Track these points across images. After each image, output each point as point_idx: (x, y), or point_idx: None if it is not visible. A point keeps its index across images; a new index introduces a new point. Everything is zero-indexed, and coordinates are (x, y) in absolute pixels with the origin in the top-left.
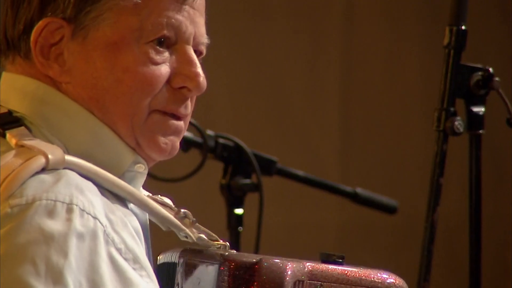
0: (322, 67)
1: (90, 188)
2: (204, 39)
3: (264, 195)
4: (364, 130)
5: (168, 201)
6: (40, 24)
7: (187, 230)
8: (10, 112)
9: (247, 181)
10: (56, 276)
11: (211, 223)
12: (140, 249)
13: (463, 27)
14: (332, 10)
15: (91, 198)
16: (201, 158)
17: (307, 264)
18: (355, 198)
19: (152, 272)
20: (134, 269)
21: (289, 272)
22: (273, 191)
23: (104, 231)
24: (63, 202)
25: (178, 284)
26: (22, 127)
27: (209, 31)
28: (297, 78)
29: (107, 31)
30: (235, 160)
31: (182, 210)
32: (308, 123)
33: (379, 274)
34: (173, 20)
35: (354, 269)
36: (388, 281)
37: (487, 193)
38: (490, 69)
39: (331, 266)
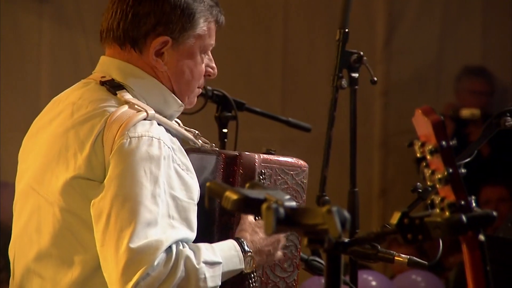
0: (269, 44)
1: (164, 131)
2: None
3: (238, 122)
4: (296, 82)
5: (179, 122)
6: (159, 40)
7: (196, 141)
8: (113, 80)
9: (229, 114)
10: (155, 180)
11: (211, 137)
12: (187, 160)
13: (346, 30)
14: (276, 14)
15: (166, 136)
16: (204, 101)
17: (260, 155)
18: (288, 123)
19: (194, 174)
20: (187, 174)
21: (257, 158)
22: (243, 120)
23: (172, 155)
24: (156, 138)
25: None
26: (124, 90)
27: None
28: (255, 48)
29: (190, 46)
30: (223, 103)
31: (196, 131)
32: (261, 77)
33: (294, 159)
34: (213, 41)
35: (283, 158)
36: (299, 162)
37: (359, 120)
38: (361, 53)
39: (271, 157)
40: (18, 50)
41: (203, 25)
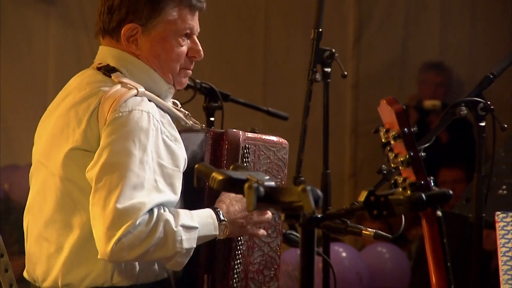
0: (254, 41)
1: (154, 106)
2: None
3: (224, 112)
4: (276, 76)
5: (178, 103)
6: (128, 26)
7: (187, 121)
8: (108, 65)
9: (216, 104)
10: (144, 148)
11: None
12: (176, 133)
13: (320, 29)
14: (258, 15)
15: (156, 111)
16: (193, 93)
17: (245, 133)
18: (268, 113)
19: (182, 144)
20: (175, 144)
21: (241, 135)
22: (228, 110)
23: (161, 127)
24: (146, 112)
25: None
26: (118, 72)
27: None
28: (239, 45)
29: (160, 31)
30: (210, 94)
31: (186, 111)
32: (244, 71)
33: (276, 138)
34: (190, 25)
35: (266, 136)
36: (280, 140)
37: (332, 110)
38: (333, 50)
39: (255, 134)
40: (27, 48)
41: (172, 11)
